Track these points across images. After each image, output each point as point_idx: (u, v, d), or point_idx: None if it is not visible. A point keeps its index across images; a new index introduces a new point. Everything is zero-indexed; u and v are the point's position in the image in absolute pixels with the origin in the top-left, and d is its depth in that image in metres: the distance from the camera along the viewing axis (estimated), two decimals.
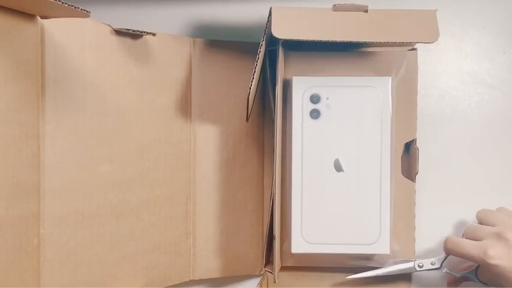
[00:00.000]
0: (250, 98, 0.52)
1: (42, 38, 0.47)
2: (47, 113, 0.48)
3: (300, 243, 0.56)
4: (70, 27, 0.49)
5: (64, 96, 0.49)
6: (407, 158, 0.59)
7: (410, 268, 0.58)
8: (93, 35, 0.51)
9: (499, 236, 0.51)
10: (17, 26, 0.45)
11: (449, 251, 0.55)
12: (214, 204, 0.60)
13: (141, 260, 0.55)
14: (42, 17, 0.47)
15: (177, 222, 0.58)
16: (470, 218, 0.59)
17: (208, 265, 0.60)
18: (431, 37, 0.51)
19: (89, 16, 0.45)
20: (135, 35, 0.53)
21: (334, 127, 0.56)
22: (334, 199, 0.56)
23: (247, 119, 0.57)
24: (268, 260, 0.58)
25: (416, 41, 0.53)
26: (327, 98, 0.56)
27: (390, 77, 0.56)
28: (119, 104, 0.53)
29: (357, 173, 0.56)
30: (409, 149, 0.59)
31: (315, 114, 0.56)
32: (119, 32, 0.52)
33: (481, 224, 0.56)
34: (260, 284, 0.57)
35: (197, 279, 0.60)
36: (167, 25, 0.62)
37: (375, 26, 0.51)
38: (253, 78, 0.51)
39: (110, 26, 0.52)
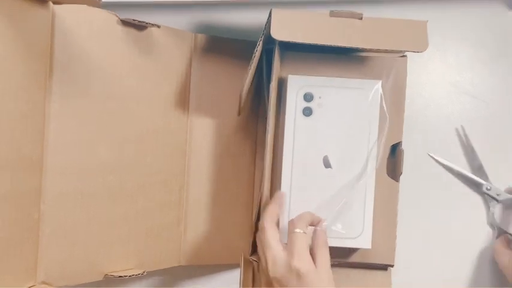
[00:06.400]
0: (243, 93, 0.55)
1: (52, 23, 0.50)
2: (54, 93, 0.50)
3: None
4: (80, 14, 0.51)
5: (70, 79, 0.51)
6: (393, 159, 0.61)
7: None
8: (101, 23, 0.53)
9: None
10: (30, 10, 0.47)
11: None
12: (206, 194, 0.62)
13: (134, 242, 0.57)
14: (54, 2, 0.49)
15: (170, 208, 0.60)
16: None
17: (197, 252, 0.62)
18: (421, 47, 0.54)
19: (100, 5, 0.47)
20: (140, 26, 0.56)
21: (325, 125, 0.58)
22: (322, 193, 0.58)
23: (238, 113, 0.59)
24: (255, 249, 0.60)
25: (406, 49, 0.55)
26: (320, 97, 0.58)
27: (380, 81, 0.59)
28: (121, 91, 0.55)
29: (344, 169, 0.58)
30: (395, 150, 0.61)
31: (307, 111, 0.58)
32: (125, 22, 0.54)
33: None
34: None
35: (186, 265, 0.62)
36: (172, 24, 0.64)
37: (368, 33, 0.54)
38: (248, 74, 0.53)
39: (117, 16, 0.54)
